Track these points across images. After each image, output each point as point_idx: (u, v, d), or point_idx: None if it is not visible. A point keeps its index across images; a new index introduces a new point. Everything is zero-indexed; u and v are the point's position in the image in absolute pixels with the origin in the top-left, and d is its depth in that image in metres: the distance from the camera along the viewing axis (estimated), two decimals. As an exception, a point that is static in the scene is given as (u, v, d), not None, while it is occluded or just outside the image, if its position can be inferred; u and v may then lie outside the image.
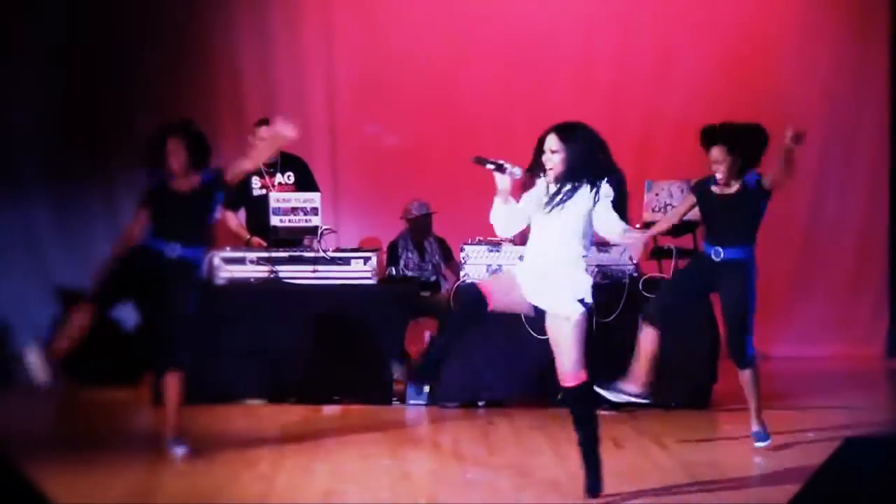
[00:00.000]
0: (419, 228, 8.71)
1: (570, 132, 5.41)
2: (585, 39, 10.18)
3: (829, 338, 9.99)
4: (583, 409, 5.53)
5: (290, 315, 7.82)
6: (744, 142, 6.49)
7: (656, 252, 7.93)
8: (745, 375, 6.55)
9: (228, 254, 7.99)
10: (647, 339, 6.54)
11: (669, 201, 7.82)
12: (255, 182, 8.48)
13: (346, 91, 10.07)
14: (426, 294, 8.37)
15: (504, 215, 5.48)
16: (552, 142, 5.41)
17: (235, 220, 8.55)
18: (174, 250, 6.19)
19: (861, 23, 10.28)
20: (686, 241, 7.95)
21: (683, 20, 10.17)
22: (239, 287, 7.90)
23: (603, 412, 7.58)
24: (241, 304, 7.86)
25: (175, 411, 6.33)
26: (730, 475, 6.17)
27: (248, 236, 8.37)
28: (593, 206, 5.33)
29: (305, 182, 8.47)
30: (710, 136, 6.55)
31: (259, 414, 7.57)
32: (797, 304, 10.11)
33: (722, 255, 6.46)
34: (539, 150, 5.46)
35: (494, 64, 10.05)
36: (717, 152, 6.51)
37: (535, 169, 5.49)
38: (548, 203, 5.39)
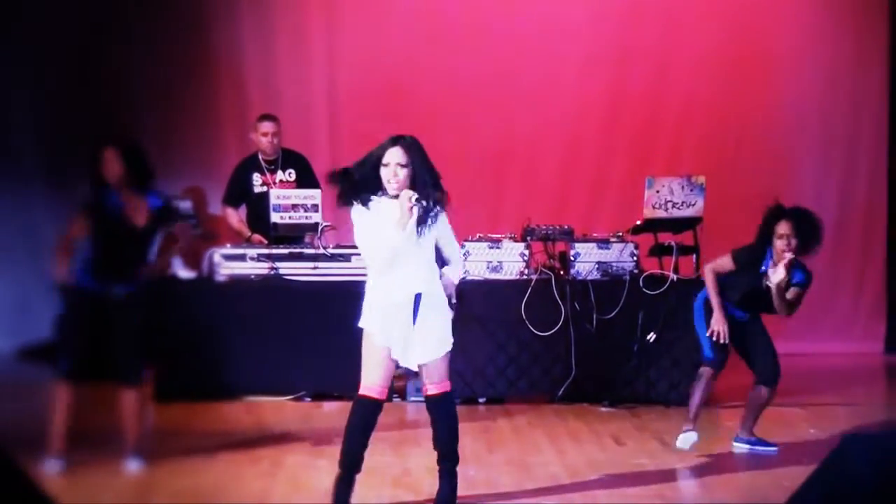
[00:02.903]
0: None
1: (412, 142, 5.21)
2: (587, 37, 10.16)
3: (830, 335, 10.02)
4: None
5: (291, 312, 7.83)
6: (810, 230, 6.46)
7: (657, 249, 7.94)
8: (767, 393, 6.54)
9: (229, 251, 7.99)
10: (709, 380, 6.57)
11: (670, 198, 7.82)
12: (257, 179, 8.48)
13: (348, 90, 10.06)
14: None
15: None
16: (398, 155, 5.15)
17: (236, 216, 8.56)
18: (118, 291, 5.98)
19: (861, 18, 10.29)
20: (687, 238, 7.96)
21: (685, 16, 10.17)
22: (239, 284, 7.90)
23: (603, 409, 7.62)
24: (241, 301, 7.85)
25: (133, 428, 6.12)
26: (730, 472, 6.18)
27: (249, 233, 8.37)
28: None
29: (307, 179, 8.46)
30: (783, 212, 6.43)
31: (260, 411, 7.58)
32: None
33: (747, 318, 6.54)
34: (378, 167, 5.18)
35: (495, 63, 10.04)
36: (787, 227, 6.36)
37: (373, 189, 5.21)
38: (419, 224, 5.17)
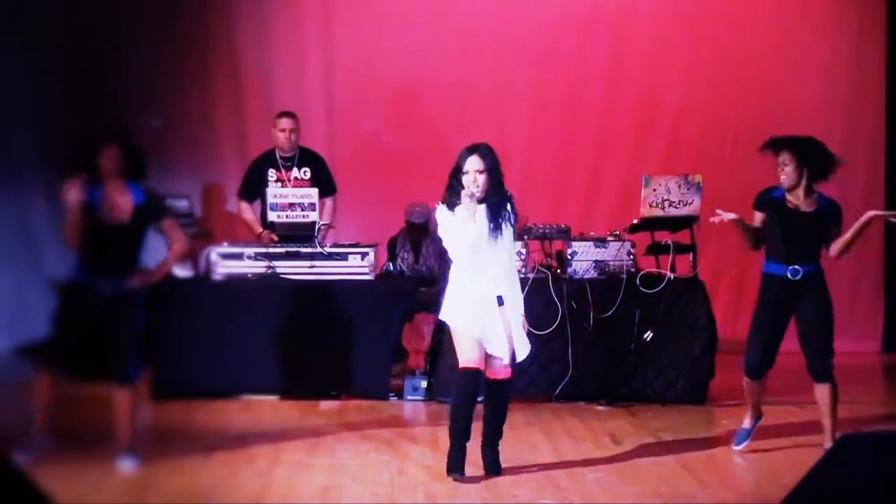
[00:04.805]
0: (418, 231, 8.70)
1: (487, 149, 5.84)
2: (583, 34, 10.15)
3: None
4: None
5: (288, 310, 7.82)
6: (811, 155, 6.31)
7: (654, 248, 7.93)
8: (826, 390, 6.28)
9: (226, 249, 7.97)
10: (753, 389, 6.46)
11: (667, 196, 7.81)
12: (272, 175, 8.42)
13: (345, 88, 10.04)
14: (424, 289, 8.36)
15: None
16: (476, 162, 5.77)
17: (250, 212, 8.50)
18: (107, 287, 5.93)
19: (859, 15, 10.28)
20: (683, 237, 7.95)
21: (681, 14, 10.16)
22: (236, 282, 7.89)
23: (600, 407, 7.63)
24: (238, 299, 7.84)
25: (126, 427, 6.08)
26: (727, 470, 6.19)
27: (260, 230, 8.32)
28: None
29: (322, 179, 8.42)
30: (779, 143, 6.33)
31: (257, 409, 7.57)
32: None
33: (801, 273, 6.24)
34: (458, 175, 5.80)
35: (492, 60, 10.03)
36: (785, 157, 6.27)
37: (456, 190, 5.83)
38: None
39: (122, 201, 5.99)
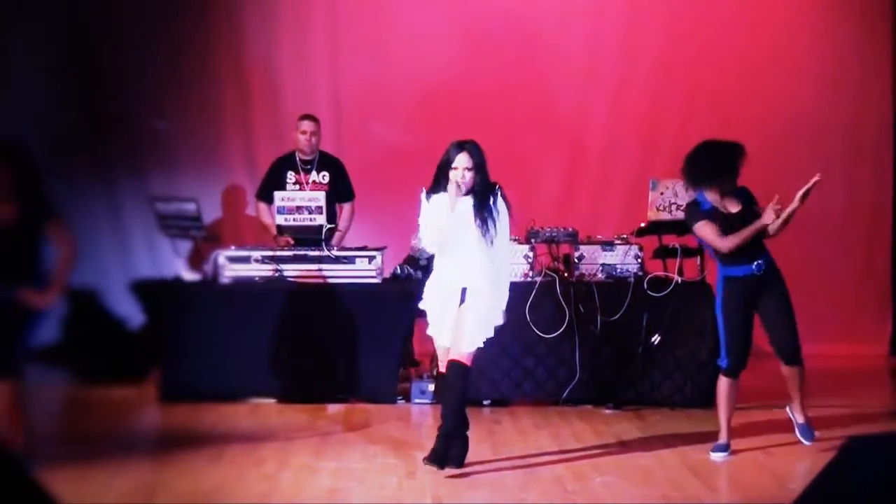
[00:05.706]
0: (422, 267, 8.70)
1: (475, 147, 6.03)
2: (590, 38, 10.17)
3: (834, 337, 9.98)
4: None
5: (295, 314, 7.82)
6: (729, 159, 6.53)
7: (661, 251, 7.93)
8: (796, 371, 6.55)
9: (233, 252, 7.98)
10: (729, 390, 6.52)
11: (674, 200, 7.80)
12: (290, 177, 8.44)
13: (352, 91, 10.06)
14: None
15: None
16: (465, 159, 5.96)
17: (268, 214, 8.48)
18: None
19: (865, 19, 10.28)
20: (691, 240, 7.94)
21: (688, 18, 10.17)
22: (244, 286, 7.90)
23: (608, 411, 7.63)
24: (245, 302, 7.85)
25: (10, 421, 5.75)
26: (734, 473, 6.18)
27: (276, 233, 8.31)
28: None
29: (340, 184, 8.45)
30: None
31: (264, 412, 7.58)
32: (802, 304, 10.03)
33: (764, 266, 6.42)
34: (447, 170, 5.99)
35: (499, 63, 10.04)
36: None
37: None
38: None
39: (8, 208, 5.77)
